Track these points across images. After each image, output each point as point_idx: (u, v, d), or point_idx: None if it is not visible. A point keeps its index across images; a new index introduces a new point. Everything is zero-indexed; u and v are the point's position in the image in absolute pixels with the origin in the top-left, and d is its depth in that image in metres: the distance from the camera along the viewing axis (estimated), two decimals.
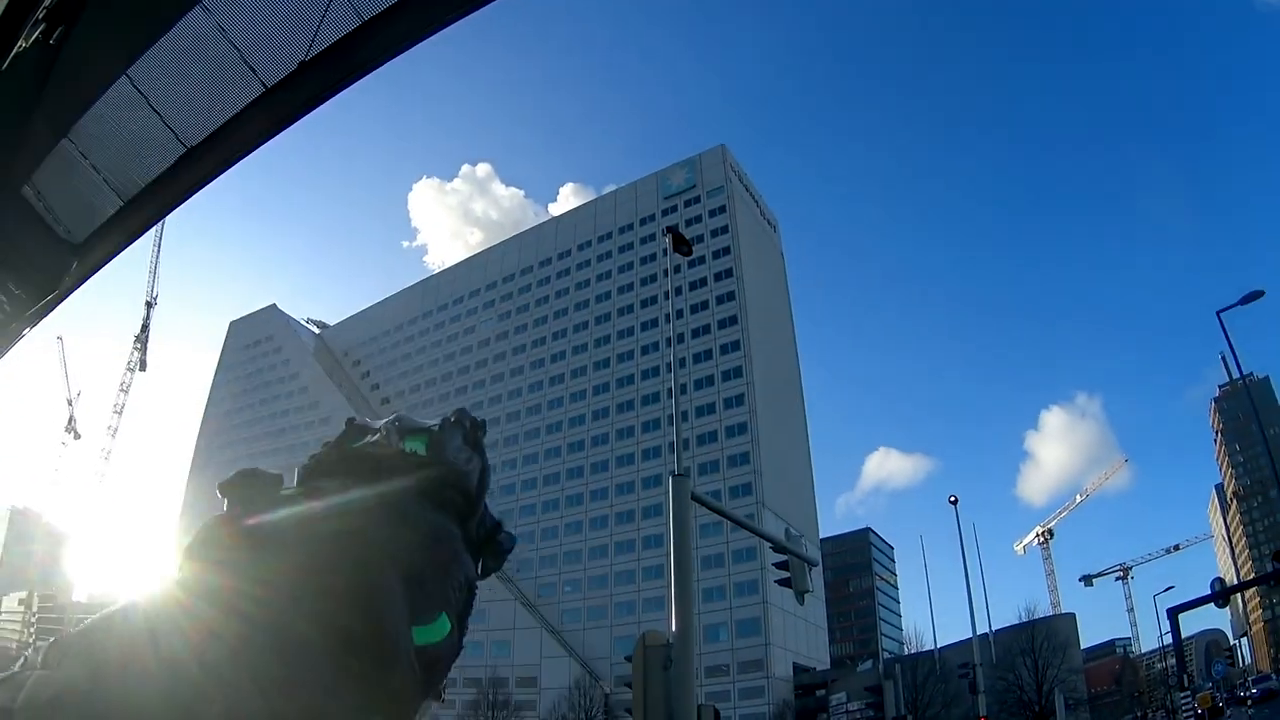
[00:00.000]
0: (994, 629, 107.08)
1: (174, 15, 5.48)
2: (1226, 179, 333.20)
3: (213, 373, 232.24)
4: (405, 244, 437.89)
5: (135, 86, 5.90)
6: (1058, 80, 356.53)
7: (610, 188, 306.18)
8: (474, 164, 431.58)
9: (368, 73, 6.34)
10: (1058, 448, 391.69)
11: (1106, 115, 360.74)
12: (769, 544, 34.77)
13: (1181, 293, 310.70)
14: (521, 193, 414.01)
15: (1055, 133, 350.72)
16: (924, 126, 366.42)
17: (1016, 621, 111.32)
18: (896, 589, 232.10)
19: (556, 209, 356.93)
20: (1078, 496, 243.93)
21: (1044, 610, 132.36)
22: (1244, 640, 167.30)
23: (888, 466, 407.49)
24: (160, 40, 5.64)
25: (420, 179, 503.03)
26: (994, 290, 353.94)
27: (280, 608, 1.88)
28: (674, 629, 23.18)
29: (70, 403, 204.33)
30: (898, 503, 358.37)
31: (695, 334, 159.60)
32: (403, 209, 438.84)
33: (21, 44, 4.38)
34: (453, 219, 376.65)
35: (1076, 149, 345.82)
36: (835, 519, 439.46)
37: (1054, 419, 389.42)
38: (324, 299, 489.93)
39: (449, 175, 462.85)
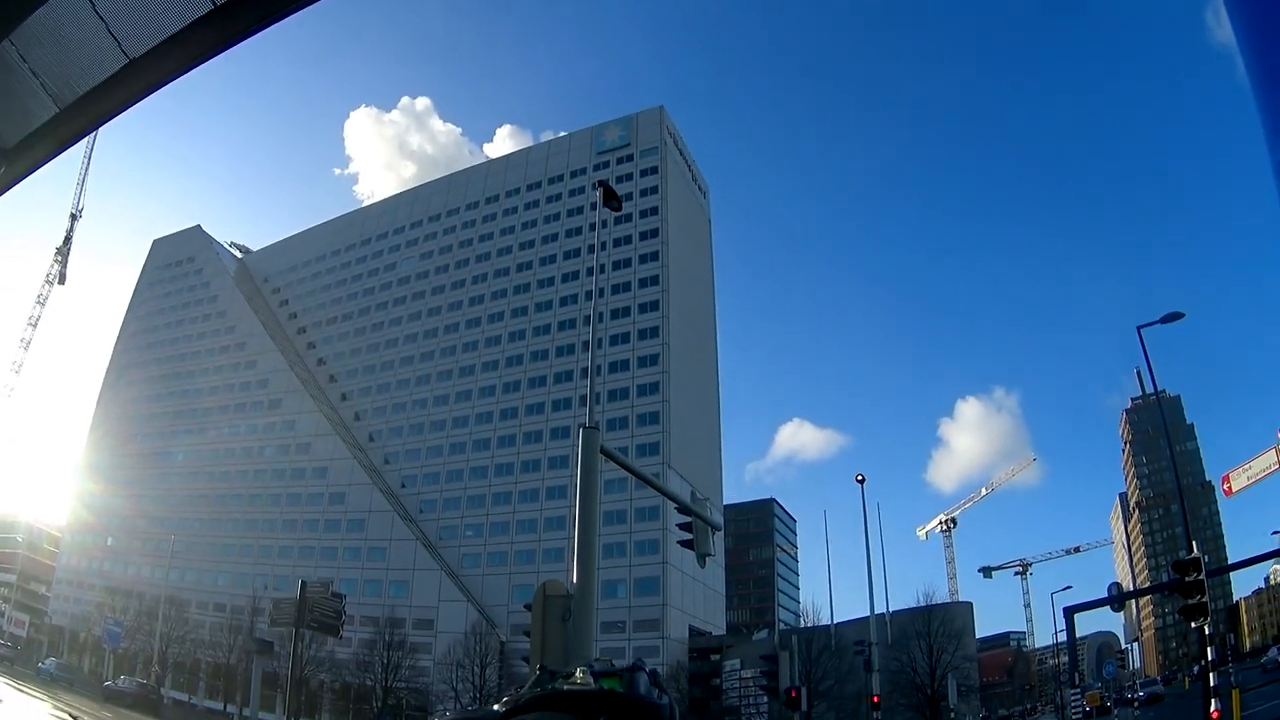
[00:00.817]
0: (891, 610, 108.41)
1: None
2: (1169, 199, 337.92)
3: (131, 291, 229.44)
4: (337, 171, 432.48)
5: None
6: (1002, 79, 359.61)
7: (547, 134, 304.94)
8: (414, 97, 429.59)
9: None
10: (971, 438, 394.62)
11: (1050, 116, 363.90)
12: (674, 504, 34.93)
13: (1111, 303, 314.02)
14: (459, 130, 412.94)
15: (998, 131, 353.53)
16: (864, 115, 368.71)
17: (914, 605, 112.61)
18: (797, 561, 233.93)
19: (492, 150, 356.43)
20: (984, 489, 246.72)
21: (942, 596, 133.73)
22: (1135, 645, 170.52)
23: (800, 438, 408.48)
24: None
25: (359, 107, 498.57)
26: (919, 279, 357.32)
27: None
28: (574, 580, 23.21)
29: None
30: (807, 475, 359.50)
31: (615, 290, 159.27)
32: (338, 136, 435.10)
33: None
34: (387, 150, 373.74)
35: (1018, 148, 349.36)
36: (743, 486, 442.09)
37: (969, 410, 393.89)
38: (250, 223, 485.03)
39: (388, 106, 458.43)
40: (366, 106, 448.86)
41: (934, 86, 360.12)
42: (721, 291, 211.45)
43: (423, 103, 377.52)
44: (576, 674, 2.78)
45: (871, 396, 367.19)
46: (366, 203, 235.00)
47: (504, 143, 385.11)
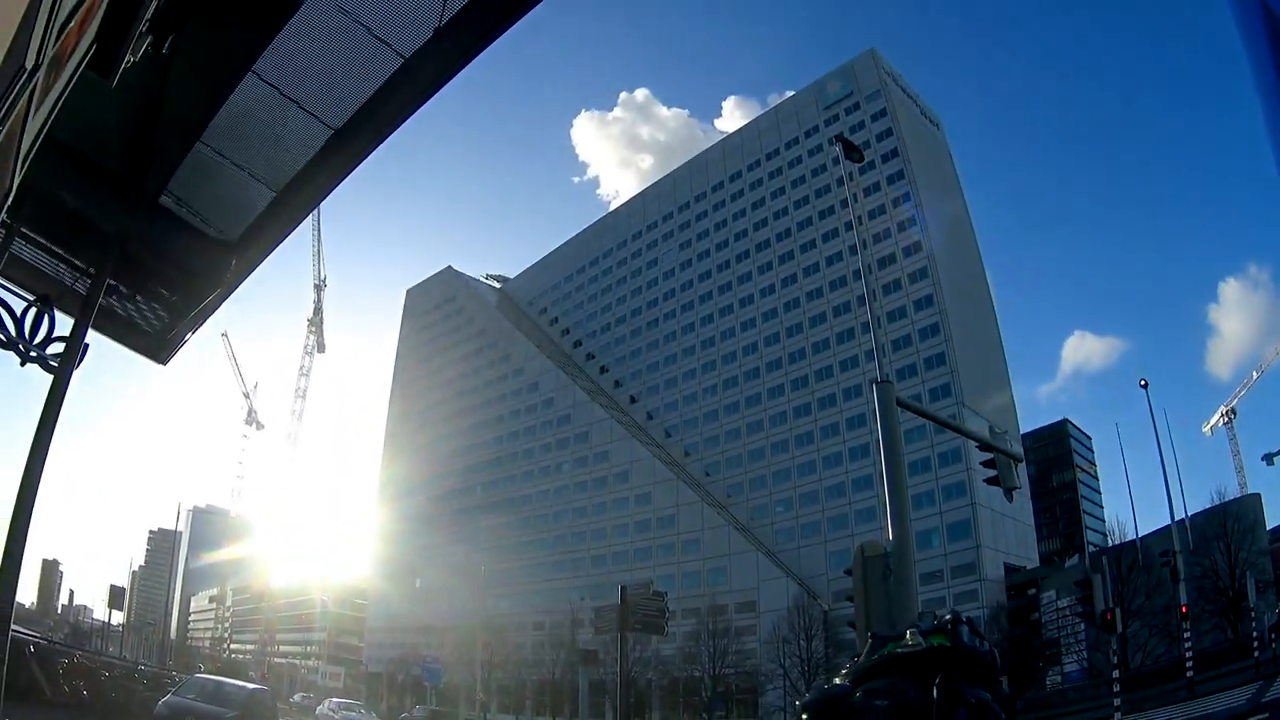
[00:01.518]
0: (1189, 514, 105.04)
1: (289, 5, 5.49)
2: None
3: (395, 345, 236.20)
4: (575, 180, 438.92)
5: (264, 80, 5.93)
6: None
7: (773, 96, 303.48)
8: (631, 91, 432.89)
9: (505, 29, 6.29)
10: (1238, 321, 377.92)
11: None
12: (975, 444, 34.35)
13: None
14: (685, 112, 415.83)
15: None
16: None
17: (1209, 505, 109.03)
18: (1097, 480, 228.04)
19: (722, 124, 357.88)
20: (1254, 373, 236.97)
21: (1233, 492, 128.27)
22: None
23: (1084, 350, 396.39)
24: (282, 31, 5.66)
25: (579, 114, 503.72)
26: (1159, 159, 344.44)
27: None
28: (891, 537, 23.02)
29: (248, 395, 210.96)
30: (1096, 387, 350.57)
31: (876, 240, 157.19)
32: (567, 146, 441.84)
33: (130, 58, 4.38)
34: (618, 148, 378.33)
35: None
36: (1039, 409, 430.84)
37: (1231, 291, 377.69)
38: (500, 254, 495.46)
39: (608, 106, 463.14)
40: (587, 111, 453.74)
41: None
42: (980, 216, 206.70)
43: (642, 94, 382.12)
44: (906, 636, 3.01)
45: (1141, 294, 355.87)
46: (613, 203, 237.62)
47: (732, 114, 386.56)
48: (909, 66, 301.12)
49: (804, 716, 2.56)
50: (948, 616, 3.20)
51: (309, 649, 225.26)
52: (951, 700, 2.71)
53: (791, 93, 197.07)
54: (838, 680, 2.78)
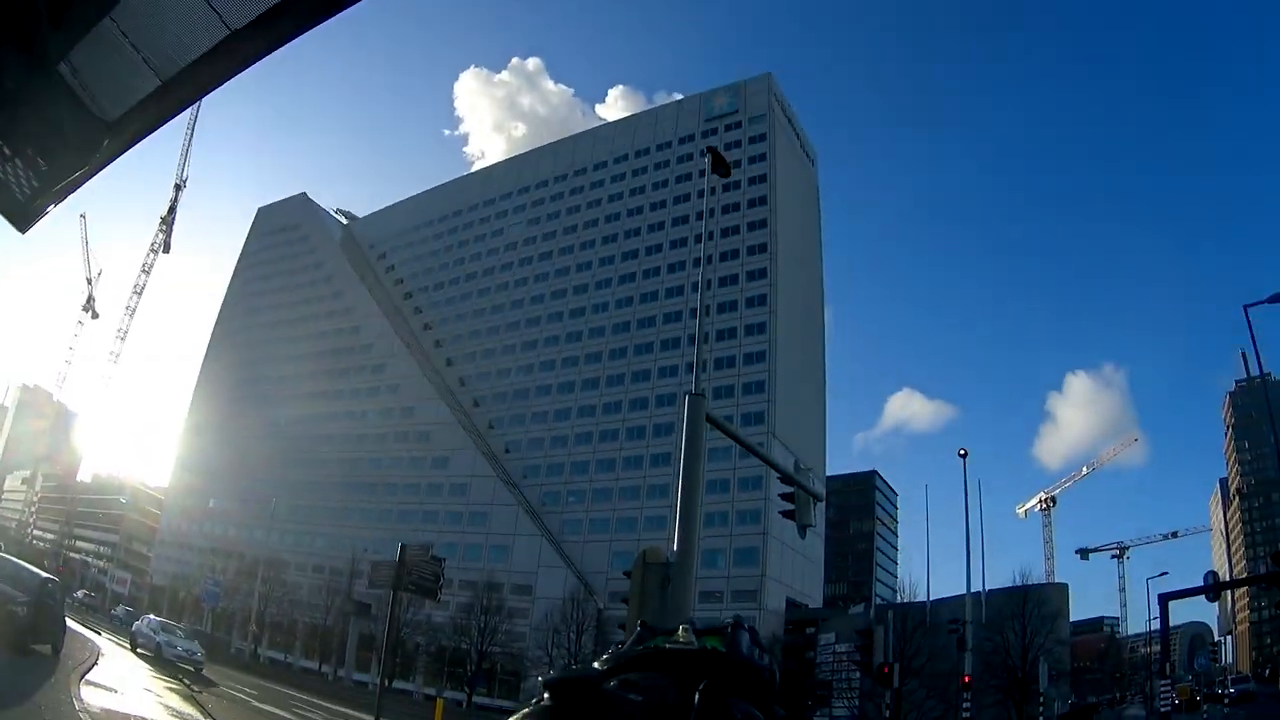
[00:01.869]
0: (988, 589, 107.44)
1: None
2: None
3: (236, 258, 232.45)
4: (446, 133, 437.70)
5: None
6: (1111, 59, 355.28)
7: (660, 95, 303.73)
8: (525, 58, 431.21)
9: None
10: (1078, 414, 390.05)
11: (1163, 79, 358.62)
12: (777, 474, 34.69)
13: (1225, 282, 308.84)
14: (570, 91, 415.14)
15: (1103, 106, 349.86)
16: (972, 87, 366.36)
17: (1011, 584, 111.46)
18: (896, 536, 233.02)
19: (604, 111, 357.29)
20: (1085, 468, 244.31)
21: (1038, 577, 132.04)
22: (1228, 638, 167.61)
23: (910, 408, 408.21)
24: None
25: (469, 68, 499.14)
26: (1032, 252, 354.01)
27: None
28: (675, 548, 23.05)
29: (90, 281, 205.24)
30: (915, 446, 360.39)
31: (723, 258, 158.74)
32: (447, 98, 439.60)
33: None
34: (498, 111, 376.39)
35: (1126, 126, 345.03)
36: (852, 455, 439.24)
37: (1078, 384, 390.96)
38: (357, 187, 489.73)
39: (498, 67, 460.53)
40: (476, 68, 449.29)
41: (1042, 59, 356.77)
42: (832, 260, 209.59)
43: (534, 63, 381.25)
44: (679, 631, 2.66)
45: (982, 368, 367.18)
46: (476, 164, 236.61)
47: (616, 104, 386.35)
48: (801, 101, 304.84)
49: (545, 695, 2.15)
50: (729, 621, 2.69)
51: (102, 549, 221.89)
52: (714, 711, 2.32)
53: (680, 96, 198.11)
54: (596, 665, 2.46)
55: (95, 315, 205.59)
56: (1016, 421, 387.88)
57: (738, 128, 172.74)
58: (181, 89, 5.90)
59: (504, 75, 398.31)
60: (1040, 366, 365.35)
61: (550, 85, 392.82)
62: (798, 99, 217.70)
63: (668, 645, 2.58)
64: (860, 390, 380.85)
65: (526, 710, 2.13)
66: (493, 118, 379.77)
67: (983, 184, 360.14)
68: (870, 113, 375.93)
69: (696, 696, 2.12)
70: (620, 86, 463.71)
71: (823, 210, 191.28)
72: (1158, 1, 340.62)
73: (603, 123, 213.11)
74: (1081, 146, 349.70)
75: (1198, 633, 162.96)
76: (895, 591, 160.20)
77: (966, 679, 66.21)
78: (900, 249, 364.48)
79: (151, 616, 68.66)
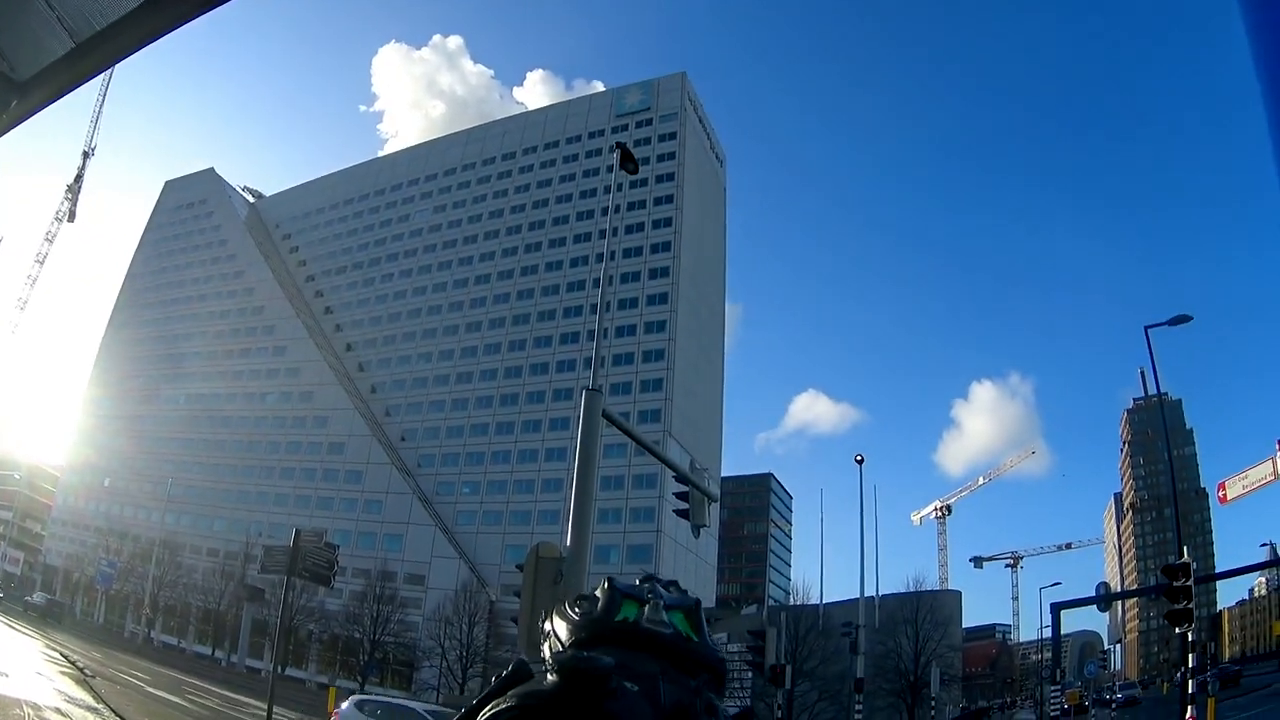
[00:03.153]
0: (881, 594, 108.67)
1: None
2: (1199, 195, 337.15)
3: (141, 231, 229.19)
4: (362, 108, 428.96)
5: None
6: (1029, 62, 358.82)
7: (579, 82, 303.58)
8: (446, 35, 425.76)
9: None
10: (982, 422, 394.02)
11: (1085, 97, 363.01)
12: (672, 473, 34.82)
13: (1131, 300, 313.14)
14: (490, 72, 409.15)
15: (1023, 115, 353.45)
16: (886, 93, 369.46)
17: (904, 590, 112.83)
18: (790, 538, 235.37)
19: (522, 95, 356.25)
20: (981, 478, 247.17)
21: (933, 583, 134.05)
22: (1117, 647, 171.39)
23: (815, 410, 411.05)
24: None
25: (389, 43, 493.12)
26: (941, 257, 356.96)
27: None
28: (569, 543, 23.10)
29: None
30: (819, 448, 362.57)
31: (627, 254, 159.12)
32: (365, 73, 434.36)
33: None
34: (415, 89, 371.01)
35: (1044, 135, 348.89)
36: (753, 455, 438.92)
37: (984, 392, 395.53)
38: (267, 161, 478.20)
39: (419, 43, 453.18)
40: (397, 42, 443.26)
41: (959, 69, 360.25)
42: (740, 260, 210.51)
43: (455, 41, 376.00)
44: (646, 604, 2.41)
45: (888, 372, 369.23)
46: (390, 141, 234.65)
47: (535, 88, 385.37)
48: (715, 98, 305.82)
49: (550, 675, 1.90)
50: (693, 598, 2.37)
51: None
52: (712, 714, 2.20)
53: (600, 84, 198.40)
54: (565, 629, 2.14)
55: None
56: (921, 428, 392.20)
57: (649, 125, 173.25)
58: (96, 53, 5.83)
59: (424, 52, 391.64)
60: (947, 374, 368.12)
61: (470, 65, 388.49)
62: (711, 97, 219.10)
63: (646, 626, 2.34)
64: (764, 390, 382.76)
65: (531, 687, 1.91)
66: (411, 95, 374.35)
67: (898, 188, 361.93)
68: (784, 113, 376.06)
69: (692, 695, 2.20)
70: (540, 71, 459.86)
71: (732, 210, 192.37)
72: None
73: (516, 113, 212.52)
74: (1003, 151, 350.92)
75: (1088, 640, 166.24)
76: (788, 593, 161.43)
77: (860, 681, 66.89)
78: (814, 250, 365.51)
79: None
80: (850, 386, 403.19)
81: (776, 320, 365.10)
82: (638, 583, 2.40)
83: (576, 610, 2.54)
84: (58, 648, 56.65)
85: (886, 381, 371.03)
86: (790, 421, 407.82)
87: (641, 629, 2.34)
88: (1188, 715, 41.30)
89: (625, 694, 2.06)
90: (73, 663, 45.56)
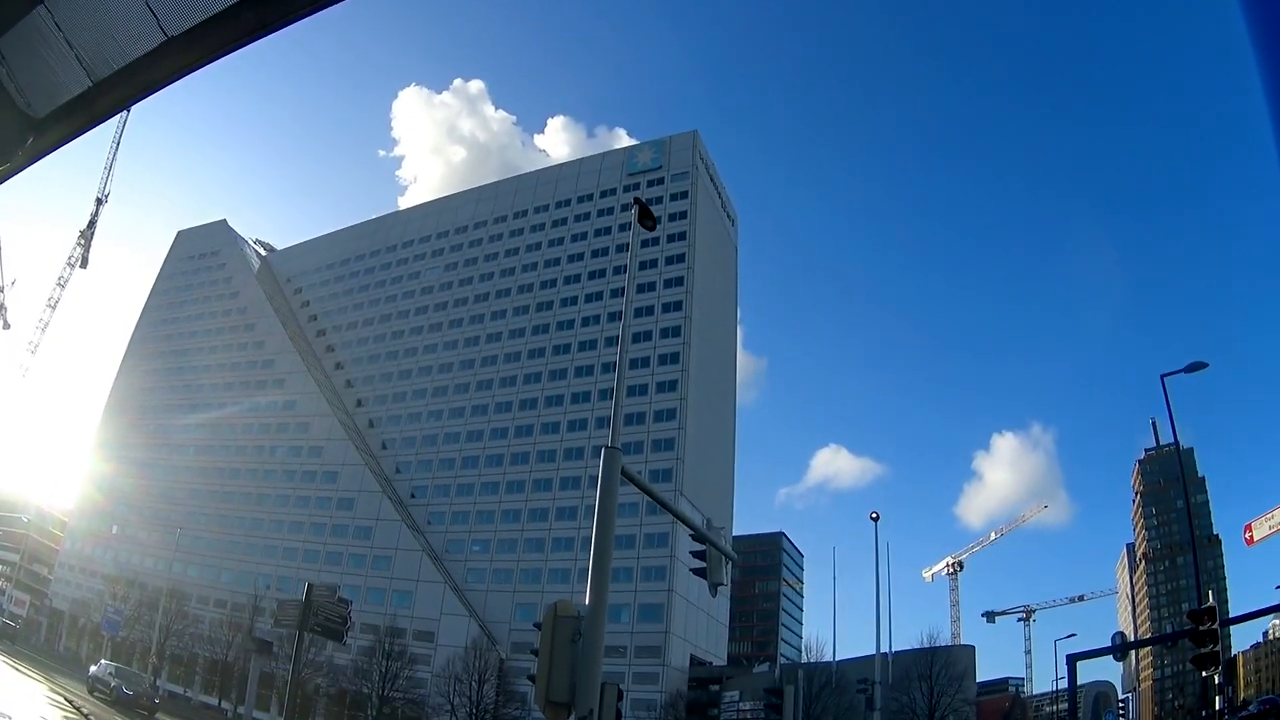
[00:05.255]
0: (895, 650, 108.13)
1: None
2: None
3: (153, 280, 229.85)
4: (381, 153, 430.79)
5: None
6: (1043, 111, 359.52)
7: (601, 128, 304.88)
8: (467, 80, 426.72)
9: None
10: (1003, 473, 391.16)
11: (1093, 153, 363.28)
12: (689, 532, 34.62)
13: (1146, 349, 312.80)
14: (512, 118, 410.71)
15: (1040, 165, 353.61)
16: (900, 147, 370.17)
17: (918, 645, 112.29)
18: (802, 596, 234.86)
19: (543, 141, 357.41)
20: (993, 533, 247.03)
21: (945, 639, 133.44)
22: (1131, 696, 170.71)
23: (836, 464, 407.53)
24: None
25: (409, 86, 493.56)
26: (960, 309, 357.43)
27: None
28: (588, 602, 22.89)
29: (2, 289, 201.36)
30: (840, 503, 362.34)
31: (638, 313, 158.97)
32: (384, 117, 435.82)
33: None
34: (436, 133, 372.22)
35: (1061, 182, 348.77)
36: (773, 510, 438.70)
37: (1005, 444, 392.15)
38: (284, 215, 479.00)
39: (440, 87, 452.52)
40: (418, 86, 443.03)
41: (973, 119, 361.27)
42: (759, 315, 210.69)
43: (476, 86, 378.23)
44: None
45: (909, 426, 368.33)
46: (409, 188, 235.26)
47: (556, 135, 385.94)
48: (724, 158, 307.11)
49: None
50: None
51: (0, 568, 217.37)
52: None
53: (622, 131, 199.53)
54: None
55: (6, 326, 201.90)
56: (942, 481, 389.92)
57: (660, 184, 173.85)
58: (112, 92, 5.77)
59: (445, 96, 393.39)
60: (968, 426, 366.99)
61: (491, 110, 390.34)
62: (722, 156, 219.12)
63: None
64: (786, 446, 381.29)
65: None
66: (431, 140, 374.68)
67: (920, 239, 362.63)
68: (800, 169, 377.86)
69: None
70: (561, 117, 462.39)
71: (747, 265, 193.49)
72: (1095, 48, 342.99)
73: (537, 159, 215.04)
74: (1021, 202, 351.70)
75: (1103, 691, 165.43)
76: (801, 651, 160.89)
77: None
78: (837, 304, 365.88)
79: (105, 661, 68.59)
80: (871, 441, 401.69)
81: (797, 375, 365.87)
82: None
83: None
84: (61, 691, 56.42)
85: (906, 436, 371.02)
86: (812, 476, 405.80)
87: None
88: None
89: None
90: (77, 708, 45.35)
